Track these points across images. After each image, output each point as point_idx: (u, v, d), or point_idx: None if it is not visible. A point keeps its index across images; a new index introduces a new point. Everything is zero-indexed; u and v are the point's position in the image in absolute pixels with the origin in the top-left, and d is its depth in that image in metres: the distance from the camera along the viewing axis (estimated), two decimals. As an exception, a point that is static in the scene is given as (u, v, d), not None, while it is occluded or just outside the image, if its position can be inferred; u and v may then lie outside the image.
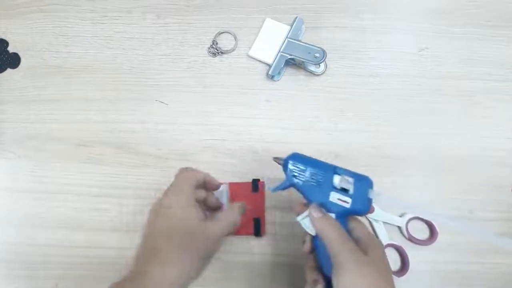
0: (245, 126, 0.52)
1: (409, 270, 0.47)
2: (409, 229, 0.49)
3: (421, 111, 0.52)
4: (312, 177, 0.38)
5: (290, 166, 0.39)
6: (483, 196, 0.50)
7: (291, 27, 0.51)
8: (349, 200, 0.37)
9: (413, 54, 0.53)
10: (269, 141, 0.52)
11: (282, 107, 0.53)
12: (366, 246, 0.36)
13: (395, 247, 0.48)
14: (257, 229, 0.49)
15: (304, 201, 0.39)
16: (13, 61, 0.55)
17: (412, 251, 0.48)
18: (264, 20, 0.54)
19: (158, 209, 0.38)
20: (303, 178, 0.38)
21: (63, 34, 0.56)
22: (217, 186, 0.44)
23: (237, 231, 0.48)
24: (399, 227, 0.49)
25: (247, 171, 0.51)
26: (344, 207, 0.37)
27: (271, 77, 0.53)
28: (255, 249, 0.49)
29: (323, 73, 0.53)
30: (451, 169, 0.51)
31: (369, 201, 0.37)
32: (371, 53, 0.53)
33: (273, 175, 0.51)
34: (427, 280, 0.49)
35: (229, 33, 0.55)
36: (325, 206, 0.37)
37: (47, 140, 0.53)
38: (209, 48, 0.54)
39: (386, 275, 0.35)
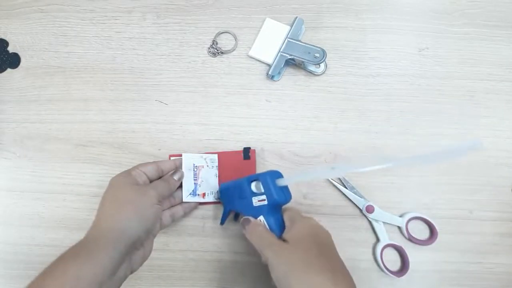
0: (245, 126, 0.52)
1: (409, 270, 0.47)
2: (409, 229, 0.49)
3: (421, 111, 0.52)
4: (238, 195, 0.44)
5: (221, 198, 0.48)
6: (483, 196, 0.50)
7: (291, 27, 0.51)
8: (264, 197, 0.41)
9: (413, 54, 0.53)
10: (269, 141, 0.52)
11: (282, 107, 0.53)
12: (289, 234, 0.38)
13: (395, 247, 0.48)
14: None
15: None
16: (13, 61, 0.55)
17: (412, 251, 0.48)
18: (264, 20, 0.54)
19: (104, 194, 0.42)
20: (232, 200, 0.45)
21: (63, 34, 0.56)
22: (173, 167, 0.47)
23: None
24: (399, 227, 0.49)
25: (247, 171, 0.51)
26: (264, 205, 0.41)
27: (271, 77, 0.53)
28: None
29: (323, 73, 0.53)
30: (451, 169, 0.51)
31: (282, 189, 0.41)
32: (371, 53, 0.53)
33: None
34: (427, 280, 0.49)
35: (229, 33, 0.55)
36: (254, 212, 0.42)
37: (47, 140, 0.53)
38: (209, 48, 0.54)
39: (307, 252, 0.36)
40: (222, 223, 0.48)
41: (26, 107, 0.54)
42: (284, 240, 0.38)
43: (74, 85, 0.55)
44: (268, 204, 0.41)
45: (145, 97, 0.54)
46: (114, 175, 0.43)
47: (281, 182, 0.41)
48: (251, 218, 0.41)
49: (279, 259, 0.36)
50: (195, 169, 0.49)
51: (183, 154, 0.49)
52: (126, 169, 0.44)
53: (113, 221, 0.39)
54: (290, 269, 0.35)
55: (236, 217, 0.49)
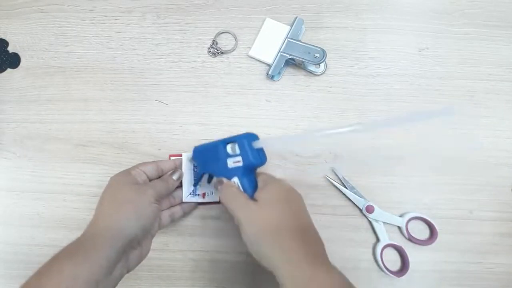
0: (245, 126, 0.52)
1: (409, 270, 0.47)
2: (409, 229, 0.49)
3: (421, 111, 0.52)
4: (212, 157, 0.44)
5: (194, 160, 0.48)
6: (483, 196, 0.50)
7: (291, 27, 0.51)
8: (239, 159, 0.41)
9: (413, 54, 0.53)
10: (269, 141, 0.52)
11: (282, 107, 0.53)
12: (259, 193, 0.38)
13: (395, 247, 0.48)
14: None
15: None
16: (13, 61, 0.55)
17: (412, 251, 0.48)
18: (264, 20, 0.54)
19: (103, 193, 0.42)
20: (206, 162, 0.45)
21: (63, 34, 0.56)
22: (172, 167, 0.48)
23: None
24: (399, 227, 0.49)
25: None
26: (239, 166, 0.41)
27: (271, 77, 0.53)
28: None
29: (323, 73, 0.53)
30: (451, 169, 0.51)
31: (258, 151, 0.41)
32: (371, 53, 0.53)
33: (274, 174, 0.51)
34: (427, 280, 0.49)
35: (229, 33, 0.55)
36: (228, 173, 0.42)
37: (47, 140, 0.53)
38: (209, 48, 0.54)
39: (279, 213, 0.36)
40: (195, 185, 0.48)
41: (26, 107, 0.54)
42: (255, 200, 0.38)
43: (74, 85, 0.55)
44: (243, 166, 0.41)
45: (145, 97, 0.54)
46: (114, 174, 0.43)
47: (257, 144, 0.41)
48: (224, 179, 0.41)
49: (250, 220, 0.36)
50: (195, 169, 0.49)
51: (183, 154, 0.49)
52: (126, 169, 0.44)
53: (111, 220, 0.39)
54: (260, 230, 0.35)
55: (210, 179, 0.49)
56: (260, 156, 0.41)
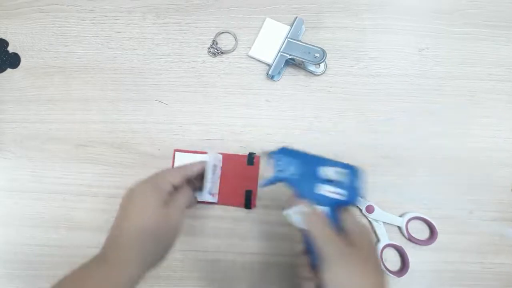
0: (245, 126, 0.52)
1: (409, 270, 0.47)
2: (409, 229, 0.49)
3: (421, 111, 0.52)
4: (300, 170, 0.38)
5: (276, 161, 0.39)
6: (483, 196, 0.50)
7: (291, 27, 0.51)
8: (342, 191, 0.37)
9: (413, 54, 0.53)
10: (269, 141, 0.52)
11: (282, 107, 0.53)
12: (354, 237, 0.36)
13: (395, 247, 0.48)
14: (248, 201, 0.49)
15: (293, 194, 0.39)
16: (13, 61, 0.55)
17: (412, 251, 0.48)
18: (264, 20, 0.54)
19: (128, 205, 0.40)
20: (290, 172, 0.38)
21: (63, 34, 0.56)
22: (201, 170, 0.45)
23: (228, 201, 0.50)
24: (399, 227, 0.49)
25: (247, 171, 0.51)
26: (337, 199, 0.36)
27: (271, 77, 0.53)
28: (253, 249, 0.50)
29: (323, 73, 0.53)
30: (451, 169, 0.51)
31: (359, 190, 0.37)
32: (371, 53, 0.53)
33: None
34: (427, 280, 0.49)
35: (229, 33, 0.55)
36: (315, 198, 0.37)
37: (47, 140, 0.53)
38: (209, 48, 0.54)
39: (374, 264, 0.36)
40: (263, 186, 0.40)
41: (26, 107, 0.54)
42: (349, 242, 0.35)
43: (74, 85, 0.55)
44: (342, 201, 0.36)
45: (145, 97, 0.54)
46: (140, 181, 0.41)
47: (361, 184, 0.37)
48: (317, 206, 0.37)
49: (344, 262, 0.34)
50: (214, 168, 0.48)
51: (208, 153, 0.47)
52: (152, 177, 0.42)
53: (136, 251, 0.37)
54: (352, 272, 0.34)
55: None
56: (358, 196, 0.37)
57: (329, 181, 0.37)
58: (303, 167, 0.38)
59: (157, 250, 0.39)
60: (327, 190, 0.37)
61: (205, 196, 0.47)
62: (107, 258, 0.37)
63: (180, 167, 0.44)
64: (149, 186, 0.41)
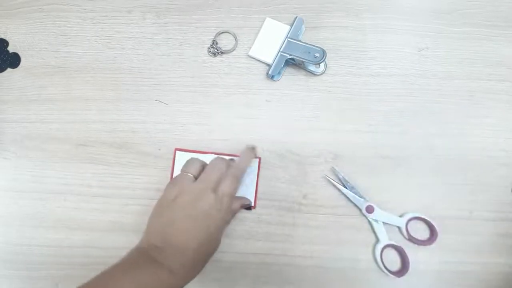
0: (245, 126, 0.52)
1: (409, 270, 0.47)
2: (409, 229, 0.49)
3: (421, 111, 0.52)
4: None
5: None
6: (483, 196, 0.50)
7: (291, 27, 0.51)
8: None
9: (413, 54, 0.53)
10: (269, 141, 0.52)
11: (282, 107, 0.53)
12: None
13: (395, 247, 0.48)
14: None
15: None
16: (13, 61, 0.55)
17: (412, 251, 0.48)
18: (264, 20, 0.54)
19: (196, 224, 0.40)
20: None
21: (63, 34, 0.56)
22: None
23: None
24: (399, 227, 0.49)
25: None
26: None
27: (271, 77, 0.53)
28: (253, 249, 0.50)
29: (323, 73, 0.53)
30: (451, 169, 0.51)
31: None
32: (371, 53, 0.53)
33: (274, 174, 0.51)
34: (427, 280, 0.49)
35: (229, 33, 0.55)
36: None
37: (47, 140, 0.53)
38: (209, 48, 0.54)
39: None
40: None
41: (26, 107, 0.54)
42: None
43: (74, 85, 0.55)
44: None
45: (145, 97, 0.54)
46: (205, 196, 0.41)
47: None
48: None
49: None
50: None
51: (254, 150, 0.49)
52: (217, 191, 0.41)
53: (198, 271, 0.40)
54: None
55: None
56: None
57: None
58: None
59: (202, 268, 0.41)
60: None
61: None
62: (173, 270, 0.38)
63: (233, 171, 0.43)
64: (217, 208, 0.41)
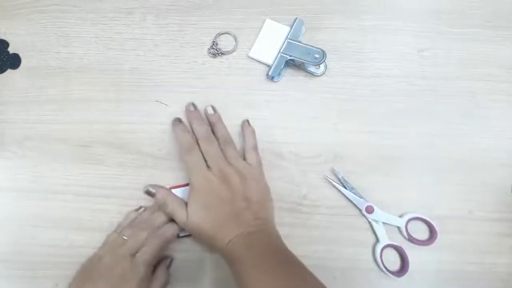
0: (245, 127, 0.52)
1: (409, 271, 0.47)
2: (408, 230, 0.49)
3: (421, 111, 0.52)
4: None
5: None
6: (483, 196, 0.50)
7: (291, 28, 0.51)
8: None
9: (413, 54, 0.53)
10: (269, 141, 0.52)
11: (282, 108, 0.53)
12: None
13: (395, 247, 0.48)
14: None
15: None
16: (14, 61, 0.56)
17: (412, 251, 0.48)
18: (264, 21, 0.54)
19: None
20: None
21: (63, 35, 0.56)
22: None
23: None
24: (398, 228, 0.49)
25: (247, 172, 0.51)
26: None
27: (271, 78, 0.53)
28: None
29: (323, 74, 0.53)
30: (451, 169, 0.51)
31: None
32: (371, 53, 0.54)
33: (274, 174, 0.51)
34: (427, 281, 0.49)
35: (229, 34, 0.55)
36: None
37: (48, 140, 0.53)
38: (209, 49, 0.54)
39: None
40: None
41: (26, 108, 0.54)
42: None
43: (74, 85, 0.55)
44: None
45: (145, 98, 0.54)
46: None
47: None
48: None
49: None
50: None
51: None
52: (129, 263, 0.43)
53: None
54: None
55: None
56: None
57: None
58: None
59: None
60: None
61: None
62: None
63: (158, 239, 0.46)
64: (134, 272, 0.43)
